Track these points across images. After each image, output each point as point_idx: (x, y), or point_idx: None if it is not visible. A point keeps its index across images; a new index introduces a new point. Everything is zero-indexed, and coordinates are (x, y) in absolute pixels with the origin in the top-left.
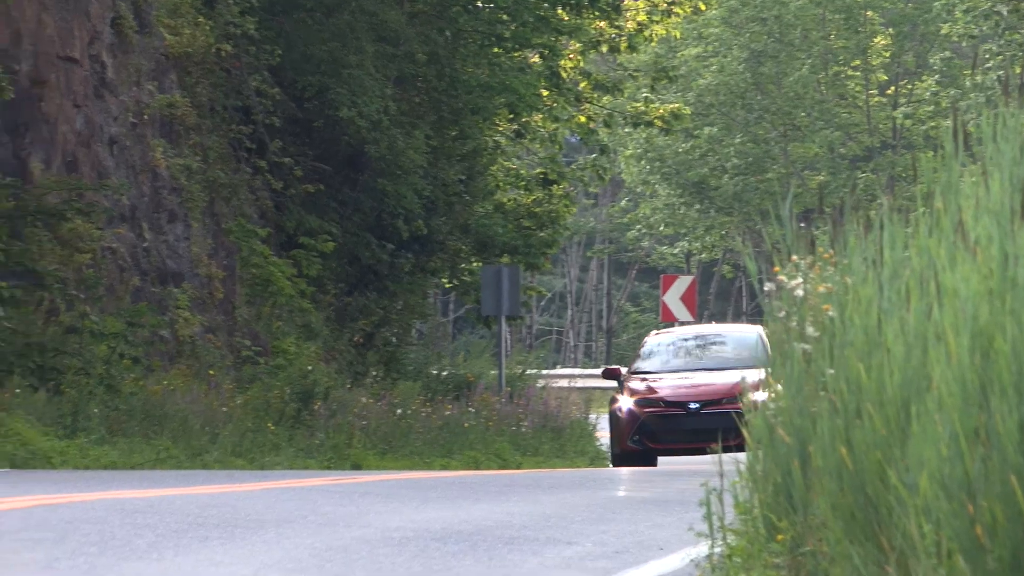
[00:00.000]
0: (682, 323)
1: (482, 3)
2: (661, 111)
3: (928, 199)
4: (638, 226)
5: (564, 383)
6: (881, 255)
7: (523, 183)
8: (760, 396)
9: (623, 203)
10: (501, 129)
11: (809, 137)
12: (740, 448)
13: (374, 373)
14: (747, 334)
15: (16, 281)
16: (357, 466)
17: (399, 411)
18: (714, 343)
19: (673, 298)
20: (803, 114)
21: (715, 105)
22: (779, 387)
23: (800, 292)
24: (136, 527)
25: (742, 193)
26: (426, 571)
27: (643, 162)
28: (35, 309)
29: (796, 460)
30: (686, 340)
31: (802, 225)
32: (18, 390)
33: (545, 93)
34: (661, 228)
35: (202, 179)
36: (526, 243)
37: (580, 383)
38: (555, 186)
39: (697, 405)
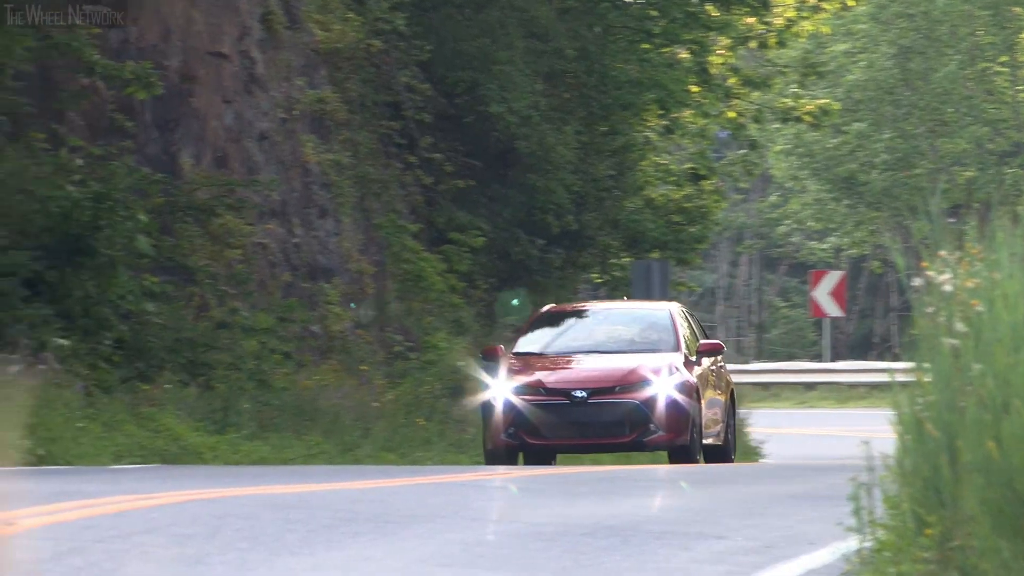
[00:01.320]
0: (832, 318)
1: (632, 0)
2: (810, 107)
3: None
4: (788, 221)
5: None
6: None
7: (673, 178)
8: (665, 383)
9: (773, 198)
10: (651, 125)
11: (957, 133)
12: (638, 445)
13: None
14: (656, 311)
15: (167, 277)
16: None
17: None
18: (616, 322)
19: (822, 293)
20: (951, 110)
21: (863, 101)
22: (927, 381)
23: (948, 287)
24: (287, 522)
25: (891, 189)
26: (576, 566)
27: (792, 158)
28: (186, 304)
29: (944, 455)
30: (583, 317)
31: (950, 220)
32: (169, 385)
33: (694, 89)
34: (810, 223)
35: (352, 175)
36: (676, 238)
37: (731, 378)
38: (705, 181)
39: (584, 394)
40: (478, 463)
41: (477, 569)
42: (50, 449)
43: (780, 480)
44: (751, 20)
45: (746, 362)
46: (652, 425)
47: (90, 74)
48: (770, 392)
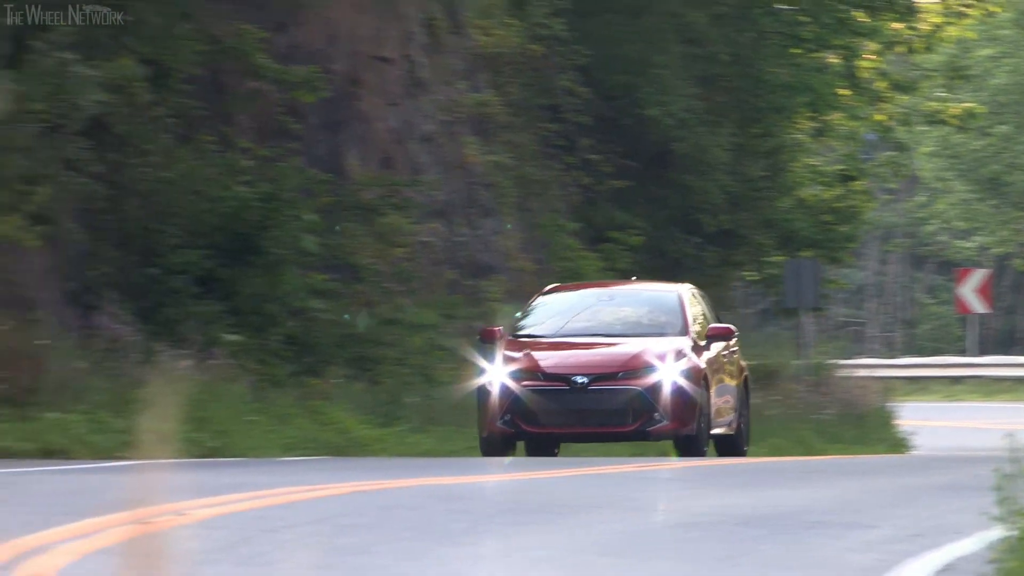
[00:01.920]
0: (978, 314)
1: (783, 5)
2: (956, 110)
3: None
4: (934, 221)
5: (864, 372)
6: None
7: (824, 179)
8: (671, 369)
9: (920, 199)
10: (802, 127)
11: None
12: (641, 434)
13: None
14: (665, 294)
15: (334, 274)
16: (664, 454)
17: None
18: (622, 304)
19: (968, 290)
20: None
21: (1008, 104)
22: None
23: None
24: (452, 513)
25: None
26: (731, 554)
27: (939, 159)
28: (353, 302)
29: None
30: (587, 299)
31: None
32: (337, 380)
33: (844, 92)
34: (956, 223)
35: (513, 175)
36: (827, 237)
37: (880, 372)
38: (854, 182)
39: (584, 379)
40: (636, 452)
41: (634, 558)
42: (222, 441)
43: (928, 471)
44: (899, 26)
45: (895, 357)
46: (656, 414)
47: (259, 78)
48: (918, 386)
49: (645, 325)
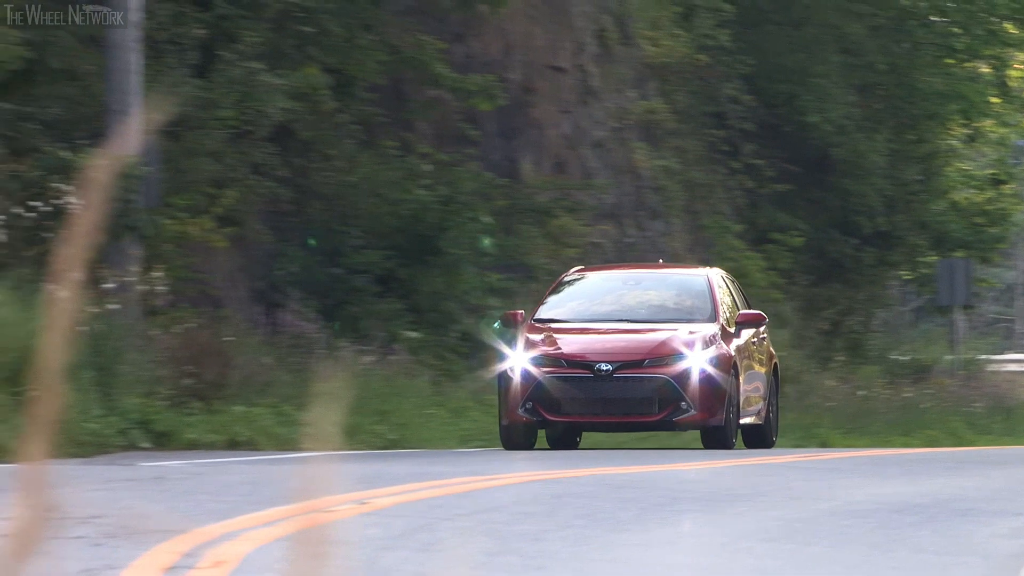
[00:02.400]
0: None
1: (937, 18)
2: None
3: None
4: None
5: (1014, 367)
6: None
7: (975, 183)
8: (699, 356)
9: None
10: (955, 133)
11: None
12: (667, 424)
13: (839, 358)
14: (693, 277)
15: (509, 274)
16: (824, 444)
17: (862, 393)
18: (648, 288)
19: None
20: None
21: None
22: None
23: None
24: (621, 501)
25: None
26: (886, 540)
27: None
28: (527, 300)
29: None
30: (612, 282)
31: None
32: None
33: (995, 100)
34: None
35: (680, 179)
36: (978, 238)
37: None
38: (1004, 186)
39: (609, 367)
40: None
41: (793, 544)
42: (402, 434)
43: None
44: None
45: None
46: (684, 403)
47: (437, 86)
48: None
49: (672, 310)
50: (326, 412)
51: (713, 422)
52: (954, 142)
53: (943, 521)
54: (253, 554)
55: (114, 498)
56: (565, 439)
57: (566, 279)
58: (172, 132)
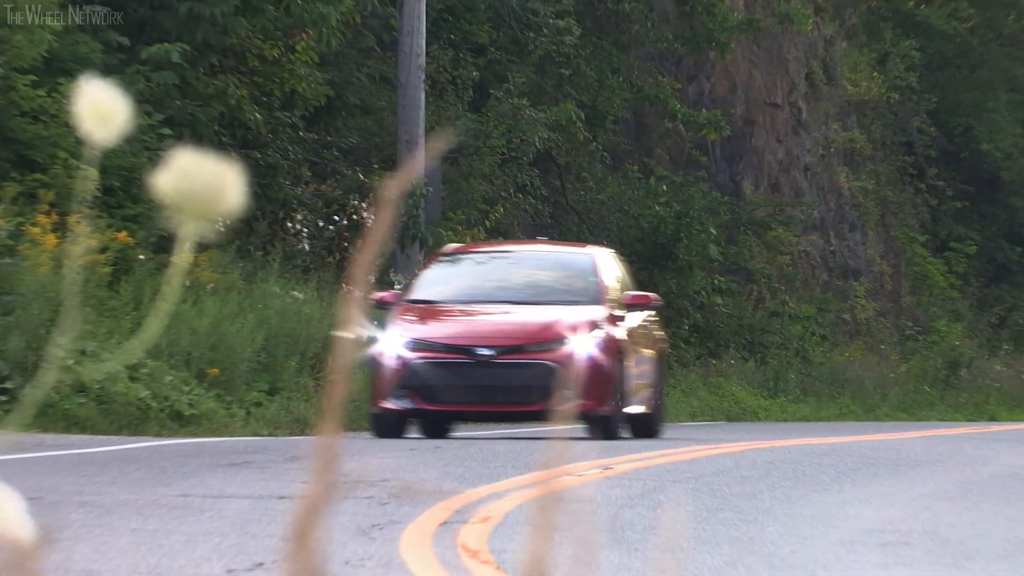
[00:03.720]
0: None
1: None
2: None
3: None
4: None
5: None
6: None
7: None
8: (585, 341)
9: None
10: None
11: None
12: (551, 414)
13: (1006, 347)
14: (578, 256)
15: (732, 276)
16: (992, 418)
17: None
18: (531, 267)
19: None
20: None
21: None
22: None
23: None
24: (822, 466)
25: None
26: None
27: None
28: (746, 298)
29: None
30: (493, 261)
31: None
32: (733, 361)
33: None
34: None
35: (875, 198)
36: None
37: None
38: None
39: (489, 352)
40: (964, 420)
41: (965, 502)
42: None
43: None
44: None
45: None
46: (568, 391)
47: (673, 119)
48: None
49: (556, 291)
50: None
51: (600, 412)
52: None
53: None
54: (514, 511)
55: (398, 465)
56: (437, 428)
57: (441, 258)
58: (451, 158)
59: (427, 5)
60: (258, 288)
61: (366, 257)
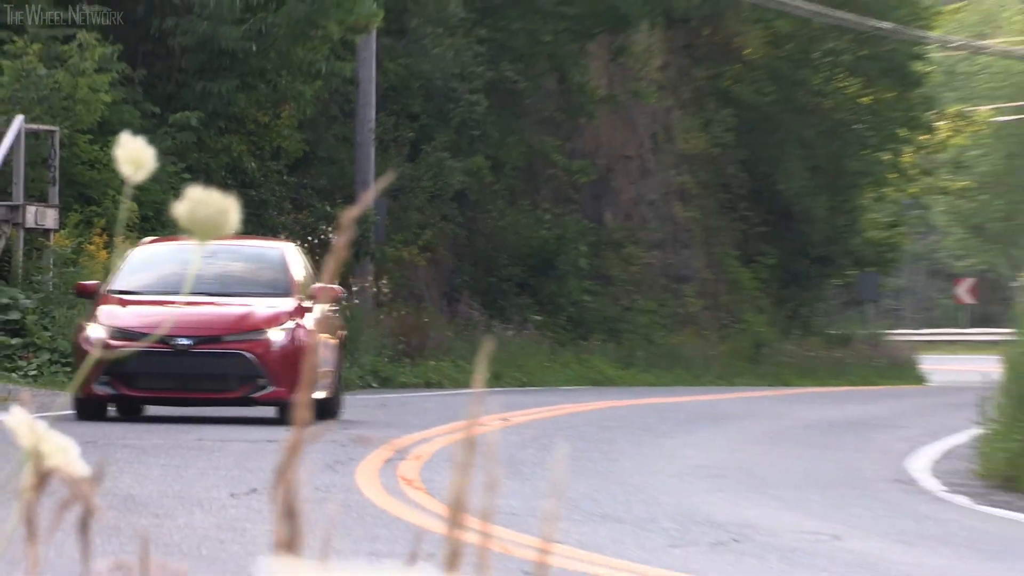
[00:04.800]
0: (968, 304)
1: (858, 126)
2: (957, 184)
3: None
4: (943, 251)
5: (901, 338)
6: None
7: (880, 226)
8: (280, 332)
9: (934, 238)
10: (868, 196)
11: None
12: (247, 401)
13: (796, 332)
14: (269, 250)
15: (597, 281)
16: (786, 384)
17: (810, 354)
18: (224, 260)
19: (962, 290)
20: None
21: (988, 182)
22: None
23: None
24: (662, 419)
25: None
26: (826, 442)
27: (948, 215)
28: (607, 297)
29: None
30: (184, 254)
31: None
32: (597, 343)
33: (892, 176)
34: (956, 251)
35: (701, 224)
36: (881, 260)
37: (911, 338)
38: (897, 228)
39: (189, 341)
40: (765, 385)
41: (770, 445)
42: (530, 377)
43: (940, 395)
44: (925, 137)
45: (919, 328)
46: (263, 379)
47: (554, 167)
48: (933, 346)
49: (250, 283)
50: (484, 365)
51: (293, 398)
52: (867, 201)
53: (861, 432)
54: (440, 451)
55: (368, 416)
56: (133, 410)
57: (139, 250)
58: (393, 195)
59: (376, 85)
60: None
61: (332, 266)
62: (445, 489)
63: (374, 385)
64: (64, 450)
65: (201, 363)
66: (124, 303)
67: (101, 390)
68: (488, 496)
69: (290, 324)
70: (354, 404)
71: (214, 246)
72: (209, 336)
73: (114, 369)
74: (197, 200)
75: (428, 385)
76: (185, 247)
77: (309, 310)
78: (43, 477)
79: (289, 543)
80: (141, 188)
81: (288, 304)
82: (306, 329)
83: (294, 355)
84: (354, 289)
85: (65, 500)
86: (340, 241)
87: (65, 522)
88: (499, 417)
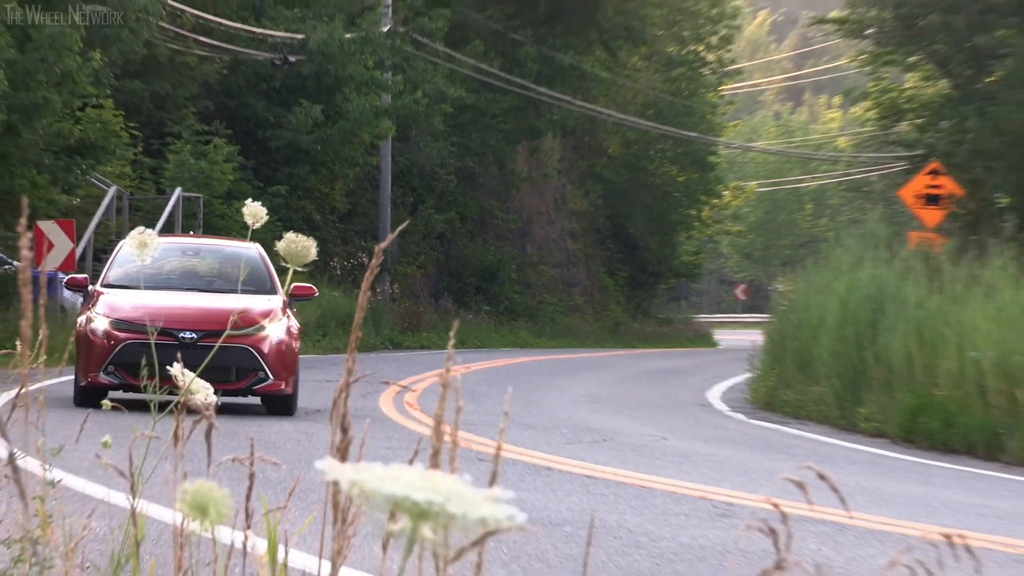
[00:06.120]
0: (741, 301)
1: (680, 180)
2: (733, 228)
3: None
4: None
5: (702, 320)
6: None
7: (688, 250)
8: (276, 327)
9: (722, 260)
10: (682, 238)
11: None
12: (247, 392)
13: (640, 317)
14: (247, 250)
15: (522, 287)
16: (634, 347)
17: (651, 329)
18: (208, 258)
19: (740, 291)
20: None
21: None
22: (776, 319)
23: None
24: (560, 368)
25: None
26: (658, 382)
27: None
28: (529, 296)
29: (779, 345)
30: (170, 251)
31: None
32: (522, 322)
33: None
34: (732, 264)
35: (583, 252)
36: (691, 272)
37: (707, 319)
38: (699, 255)
39: (194, 335)
40: (621, 348)
41: (629, 383)
42: (481, 343)
43: (725, 354)
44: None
45: (712, 314)
46: (263, 372)
47: (496, 218)
48: (720, 325)
49: (234, 280)
50: (453, 336)
51: (285, 390)
52: (682, 239)
53: (678, 375)
54: (429, 387)
55: (387, 367)
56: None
57: (125, 247)
58: (402, 235)
59: (391, 170)
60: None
61: (370, 276)
62: (432, 410)
63: (390, 348)
64: (205, 388)
65: (205, 356)
66: (125, 296)
67: (106, 379)
68: (456, 414)
69: (284, 320)
70: (378, 360)
71: (197, 245)
72: (214, 330)
73: (120, 358)
74: (290, 240)
75: (423, 348)
76: (170, 244)
77: (291, 307)
78: (184, 405)
79: (341, 447)
80: (255, 232)
81: (277, 301)
82: (295, 325)
83: (289, 349)
84: (378, 290)
85: (196, 419)
86: (374, 263)
87: (197, 432)
88: (463, 367)
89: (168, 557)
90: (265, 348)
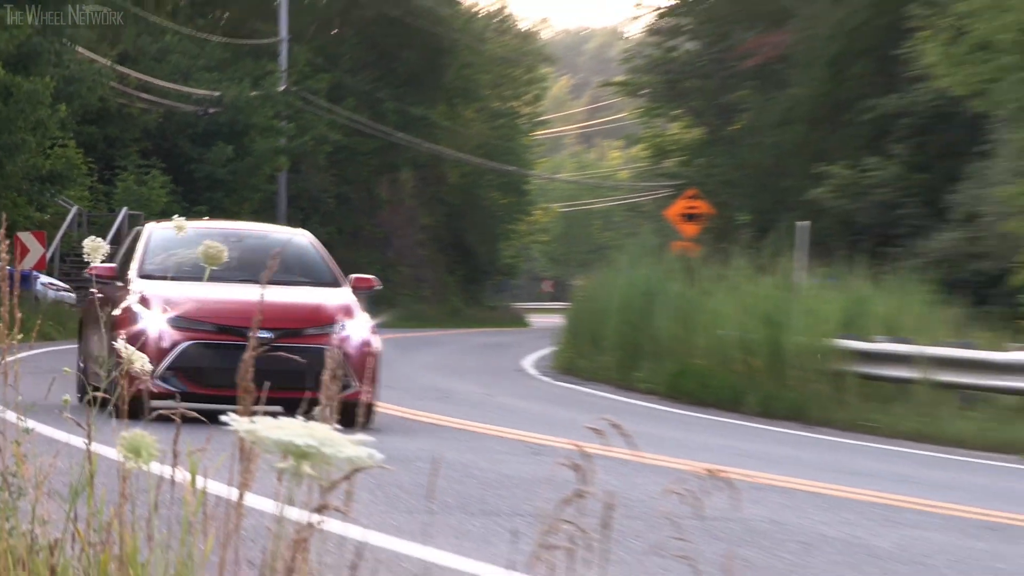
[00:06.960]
0: (548, 293)
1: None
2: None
3: None
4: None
5: (521, 306)
6: None
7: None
8: (355, 325)
9: None
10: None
11: None
12: (315, 401)
13: (474, 304)
14: (297, 238)
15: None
16: (469, 327)
17: (487, 313)
18: (255, 246)
19: (546, 287)
20: None
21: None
22: (575, 305)
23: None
24: (416, 343)
25: None
26: (486, 353)
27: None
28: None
29: (578, 325)
30: (209, 237)
31: None
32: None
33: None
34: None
35: (431, 259)
36: (510, 274)
37: (524, 307)
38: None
39: (271, 334)
40: (476, 327)
41: (462, 354)
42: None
43: (537, 332)
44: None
45: (530, 303)
46: (348, 377)
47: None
48: (534, 311)
49: (293, 272)
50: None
51: (368, 399)
52: (504, 247)
53: (501, 348)
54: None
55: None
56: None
57: (156, 232)
58: None
59: (287, 194)
60: None
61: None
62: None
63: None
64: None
65: (280, 359)
66: (172, 289)
67: (162, 386)
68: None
69: (362, 316)
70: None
71: (237, 231)
72: (291, 329)
73: (180, 362)
74: (208, 245)
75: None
76: (202, 229)
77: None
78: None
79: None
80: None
81: (348, 295)
82: (373, 324)
83: (375, 352)
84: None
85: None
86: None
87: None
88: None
89: (115, 486)
90: (348, 349)
